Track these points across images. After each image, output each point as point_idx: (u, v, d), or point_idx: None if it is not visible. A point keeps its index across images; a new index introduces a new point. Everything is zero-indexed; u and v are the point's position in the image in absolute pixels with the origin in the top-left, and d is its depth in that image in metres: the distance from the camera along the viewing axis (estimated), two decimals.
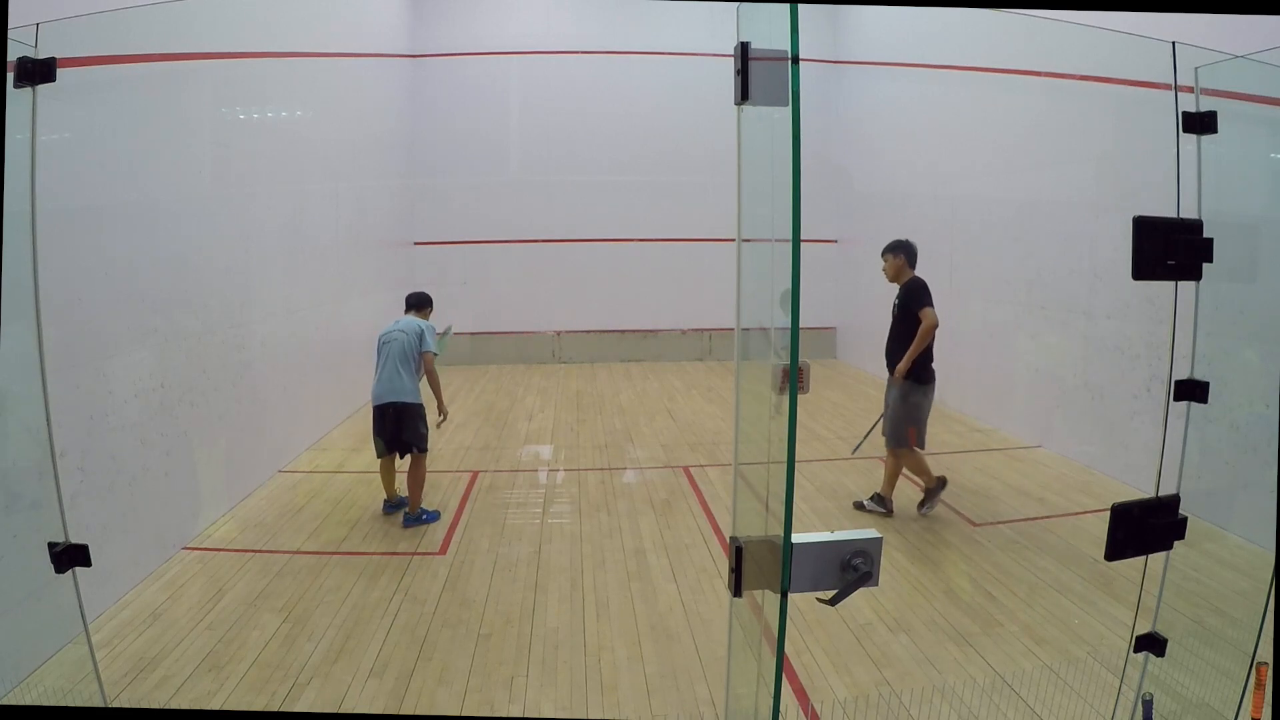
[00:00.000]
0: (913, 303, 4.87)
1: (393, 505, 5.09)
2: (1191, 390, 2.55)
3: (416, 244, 10.70)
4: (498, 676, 3.26)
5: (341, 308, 7.76)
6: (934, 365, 4.93)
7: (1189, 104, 2.49)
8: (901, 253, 4.98)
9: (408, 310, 5.31)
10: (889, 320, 5.02)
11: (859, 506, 5.12)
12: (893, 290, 5.05)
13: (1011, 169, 7.04)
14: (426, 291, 5.42)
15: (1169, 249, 2.29)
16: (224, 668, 3.28)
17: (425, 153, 10.68)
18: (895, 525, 4.83)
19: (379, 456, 5.07)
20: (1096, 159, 5.89)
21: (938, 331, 4.88)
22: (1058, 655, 3.35)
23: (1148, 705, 2.52)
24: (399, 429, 4.94)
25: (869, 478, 5.82)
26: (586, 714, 3.02)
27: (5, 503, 2.85)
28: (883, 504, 5.04)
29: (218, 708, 3.06)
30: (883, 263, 5.03)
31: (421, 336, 5.06)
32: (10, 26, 2.20)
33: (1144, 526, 2.36)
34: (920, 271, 5.01)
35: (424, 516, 4.96)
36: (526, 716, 3.02)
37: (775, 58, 1.60)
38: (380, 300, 9.60)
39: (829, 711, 3.01)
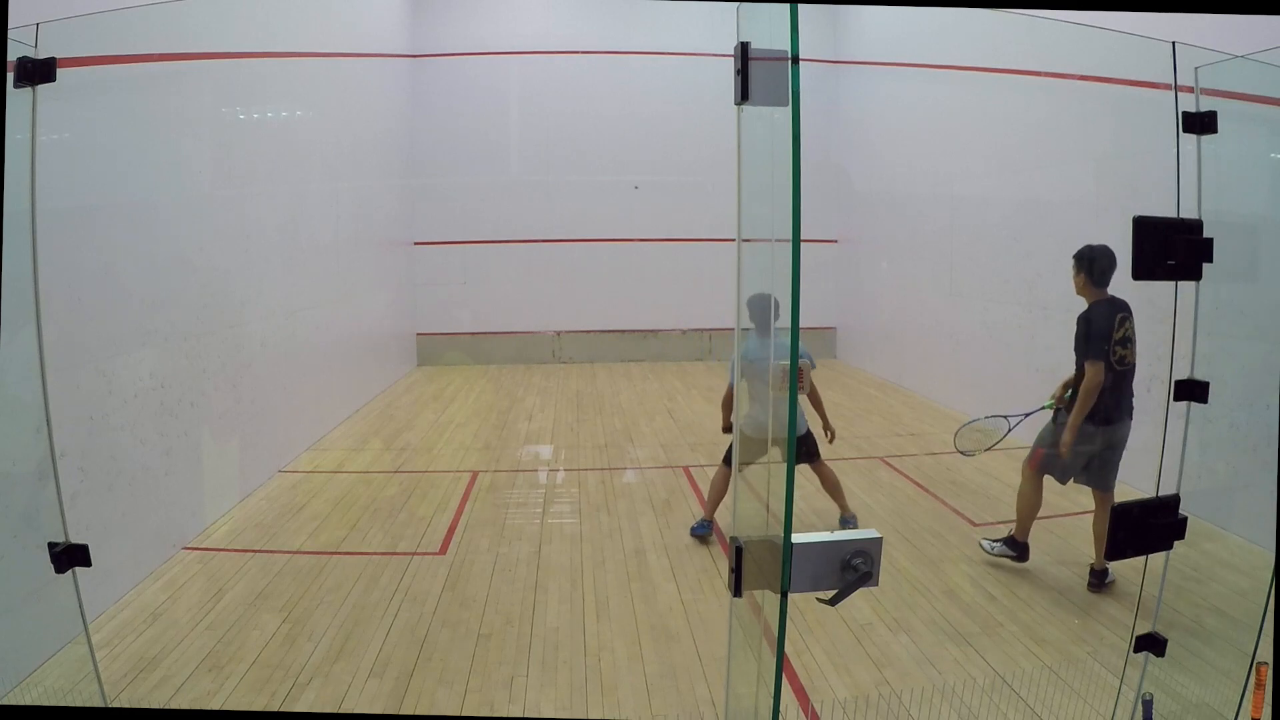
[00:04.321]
0: (1077, 342, 3.89)
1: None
2: (1191, 390, 2.56)
3: (416, 244, 10.70)
4: (498, 676, 3.26)
5: (341, 308, 7.76)
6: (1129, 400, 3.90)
7: (1189, 104, 2.49)
8: (1082, 266, 3.89)
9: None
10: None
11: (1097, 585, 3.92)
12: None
13: (1011, 169, 7.04)
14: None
15: (1169, 249, 2.29)
16: (224, 668, 3.28)
17: (425, 153, 10.67)
18: (894, 525, 4.82)
19: None
20: (1096, 159, 5.88)
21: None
22: (1058, 655, 3.35)
23: (1148, 705, 2.52)
24: None
25: (869, 478, 5.82)
26: (586, 714, 3.02)
27: (5, 503, 2.85)
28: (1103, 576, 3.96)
29: (218, 708, 3.06)
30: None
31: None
32: (10, 26, 2.20)
33: (1144, 526, 2.36)
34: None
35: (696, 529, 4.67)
36: (526, 716, 3.02)
37: (775, 58, 1.60)
38: (381, 300, 9.63)
39: (829, 711, 3.01)
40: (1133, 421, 3.91)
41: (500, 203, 10.79)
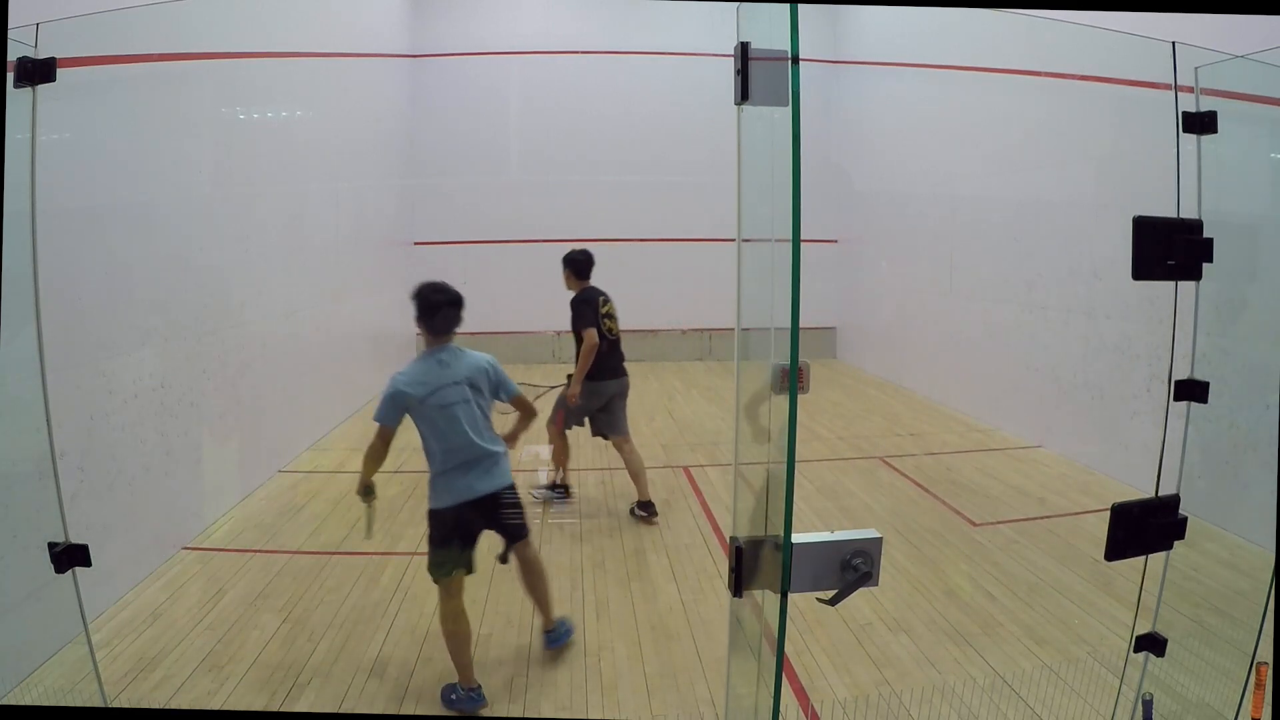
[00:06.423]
0: (574, 321, 4.98)
1: None
2: (1191, 390, 2.56)
3: (416, 244, 10.69)
4: (498, 676, 3.26)
5: (341, 308, 7.76)
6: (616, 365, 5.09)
7: (1189, 104, 2.49)
8: (569, 267, 5.14)
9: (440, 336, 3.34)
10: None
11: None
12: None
13: (1011, 169, 7.03)
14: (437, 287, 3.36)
15: (1169, 249, 2.29)
16: (224, 668, 3.28)
17: (425, 153, 10.67)
18: (895, 525, 4.82)
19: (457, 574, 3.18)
20: (1096, 159, 5.88)
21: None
22: (1058, 655, 3.35)
23: (1148, 705, 2.52)
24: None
25: (869, 478, 5.83)
26: (586, 714, 3.02)
27: (5, 503, 2.85)
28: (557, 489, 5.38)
29: (218, 708, 3.07)
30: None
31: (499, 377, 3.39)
32: (10, 26, 2.20)
33: (1144, 526, 2.36)
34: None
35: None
36: (526, 716, 3.02)
37: (775, 58, 1.60)
38: (381, 300, 9.62)
39: (829, 711, 3.01)
40: (627, 379, 5.13)
41: (500, 203, 10.79)
